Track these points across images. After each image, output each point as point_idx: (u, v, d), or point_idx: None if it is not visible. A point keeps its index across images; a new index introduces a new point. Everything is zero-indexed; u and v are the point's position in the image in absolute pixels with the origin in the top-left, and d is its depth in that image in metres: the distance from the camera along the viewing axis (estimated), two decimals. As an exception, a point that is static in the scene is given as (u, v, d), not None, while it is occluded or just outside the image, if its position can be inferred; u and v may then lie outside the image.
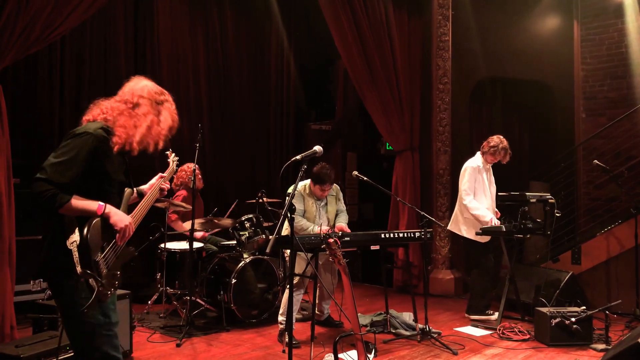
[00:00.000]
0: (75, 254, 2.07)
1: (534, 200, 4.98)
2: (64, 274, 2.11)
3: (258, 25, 7.47)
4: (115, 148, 2.21)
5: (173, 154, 2.90)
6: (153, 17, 6.31)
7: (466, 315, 5.17)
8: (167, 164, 2.82)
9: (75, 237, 2.10)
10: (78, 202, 2.11)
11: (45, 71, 5.40)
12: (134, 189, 2.50)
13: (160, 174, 2.66)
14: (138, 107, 2.28)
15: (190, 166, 5.40)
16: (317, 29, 7.01)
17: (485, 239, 5.04)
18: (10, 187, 3.68)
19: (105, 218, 2.16)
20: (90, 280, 2.06)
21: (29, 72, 5.31)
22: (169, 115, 2.38)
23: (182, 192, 5.51)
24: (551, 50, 7.15)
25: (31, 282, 4.77)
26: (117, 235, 2.21)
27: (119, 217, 2.20)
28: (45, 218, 2.22)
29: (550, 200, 4.95)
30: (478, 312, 5.12)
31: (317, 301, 4.79)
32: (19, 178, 4.13)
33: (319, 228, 4.39)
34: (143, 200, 2.50)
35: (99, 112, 2.26)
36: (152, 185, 2.61)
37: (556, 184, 6.65)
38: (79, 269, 2.06)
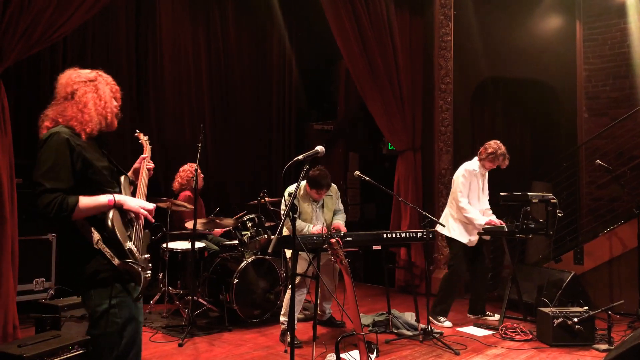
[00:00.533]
0: (107, 250, 2.09)
1: (536, 200, 4.97)
2: (97, 278, 2.13)
3: (259, 25, 7.48)
4: (83, 135, 2.20)
5: (142, 134, 2.89)
6: (155, 17, 6.32)
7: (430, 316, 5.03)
8: (142, 145, 2.82)
9: (97, 235, 2.10)
10: (87, 201, 2.10)
11: (47, 71, 5.41)
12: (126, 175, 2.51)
13: (141, 156, 2.67)
14: (75, 94, 2.26)
15: (192, 166, 5.41)
16: (319, 29, 7.01)
17: (474, 242, 5.00)
18: (13, 187, 3.69)
19: (118, 207, 2.17)
20: (134, 268, 2.09)
21: (31, 71, 5.32)
22: (106, 86, 2.34)
23: (186, 193, 5.52)
24: (553, 50, 7.14)
25: (34, 281, 4.78)
26: (142, 215, 2.25)
27: (133, 202, 2.23)
28: (61, 237, 2.28)
29: (552, 201, 4.93)
30: (433, 311, 4.99)
31: (318, 301, 4.80)
32: (21, 178, 4.14)
33: (314, 228, 4.39)
34: (139, 184, 2.52)
35: (50, 121, 2.24)
36: (137, 168, 2.62)
37: (558, 184, 6.64)
38: (116, 261, 2.07)
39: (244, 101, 7.29)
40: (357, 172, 4.74)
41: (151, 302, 5.11)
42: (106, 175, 2.26)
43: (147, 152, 2.72)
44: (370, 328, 4.68)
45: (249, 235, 5.12)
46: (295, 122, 8.03)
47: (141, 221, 2.31)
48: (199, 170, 5.32)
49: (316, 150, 3.20)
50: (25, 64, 5.09)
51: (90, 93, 2.26)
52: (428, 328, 4.45)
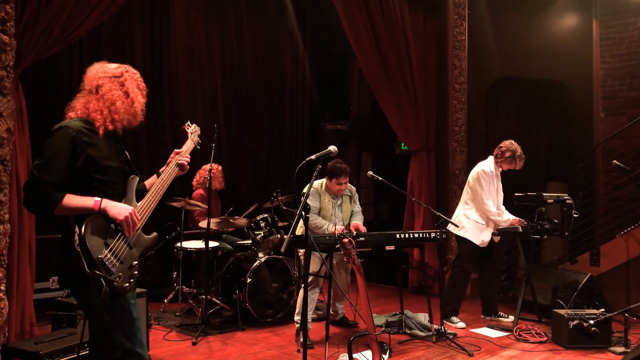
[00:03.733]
0: (81, 254, 2.03)
1: (551, 200, 4.92)
2: (79, 277, 2.07)
3: (273, 26, 7.50)
4: (100, 131, 2.18)
5: (193, 125, 2.78)
6: (169, 19, 6.38)
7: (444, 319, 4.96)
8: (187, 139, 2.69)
9: (76, 237, 2.05)
10: (72, 200, 2.05)
11: (64, 71, 5.49)
12: (144, 175, 2.42)
13: (175, 150, 2.56)
14: (101, 89, 2.23)
15: (213, 165, 5.49)
16: (332, 29, 7.01)
17: (485, 243, 4.96)
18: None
19: (103, 213, 2.08)
20: (100, 280, 2.01)
21: (48, 72, 5.39)
22: (133, 84, 2.31)
23: (200, 191, 5.58)
24: (569, 49, 7.07)
25: (50, 280, 4.84)
26: (122, 228, 2.13)
27: (117, 210, 2.11)
28: (62, 226, 2.20)
29: (567, 201, 4.88)
30: (445, 315, 4.92)
31: (331, 301, 4.80)
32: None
33: (333, 227, 4.39)
34: (157, 181, 2.40)
35: (74, 111, 2.25)
36: (170, 163, 2.50)
37: (574, 185, 6.57)
38: (86, 269, 2.00)
39: (257, 102, 7.32)
40: (370, 172, 4.74)
41: (165, 300, 5.15)
42: (112, 175, 2.21)
43: (184, 146, 2.61)
44: (383, 328, 4.67)
45: (262, 234, 5.14)
46: (309, 122, 8.04)
47: (138, 225, 2.20)
48: (219, 172, 5.38)
49: (329, 150, 3.21)
50: (42, 64, 5.16)
51: (116, 90, 2.24)
52: (441, 329, 4.44)
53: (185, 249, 5.07)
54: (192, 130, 2.76)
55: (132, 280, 2.16)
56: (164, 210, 5.47)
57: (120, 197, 2.22)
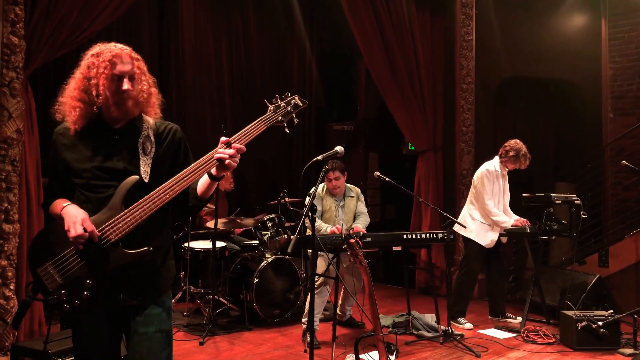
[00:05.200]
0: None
1: (559, 201, 4.89)
2: None
3: (280, 26, 7.51)
4: (71, 127, 1.94)
5: (287, 99, 2.19)
6: (177, 20, 6.40)
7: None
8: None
9: None
10: (53, 205, 1.98)
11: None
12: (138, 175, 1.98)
13: (221, 139, 2.03)
14: (71, 78, 2.00)
15: None
16: (339, 29, 7.01)
17: (491, 244, 4.93)
18: (39, 187, 3.77)
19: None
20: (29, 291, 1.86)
21: (57, 72, 5.42)
22: (105, 50, 1.98)
23: None
24: (578, 49, 7.02)
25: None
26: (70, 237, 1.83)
27: (67, 217, 1.85)
28: None
29: (576, 202, 4.85)
30: (452, 316, 4.89)
31: (339, 302, 4.80)
32: (47, 177, 4.22)
33: (333, 228, 4.39)
34: (172, 180, 1.90)
35: None
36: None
37: (583, 185, 6.53)
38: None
39: (264, 101, 7.32)
40: (377, 173, 4.73)
41: (172, 300, 5.15)
42: (90, 177, 1.92)
43: (235, 136, 2.10)
44: (390, 329, 4.66)
45: (269, 235, 5.15)
46: (315, 122, 8.04)
47: (93, 236, 1.82)
48: (228, 173, 5.38)
49: (335, 150, 3.21)
50: (51, 65, 5.20)
51: (80, 69, 1.98)
52: (448, 330, 4.42)
53: (192, 249, 5.08)
54: (284, 104, 2.16)
55: (77, 301, 1.85)
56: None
57: (103, 202, 1.90)
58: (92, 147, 1.94)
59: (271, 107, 2.23)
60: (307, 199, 4.18)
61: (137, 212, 1.85)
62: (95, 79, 1.91)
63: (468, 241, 4.99)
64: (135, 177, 1.91)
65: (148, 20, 6.16)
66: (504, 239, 5.03)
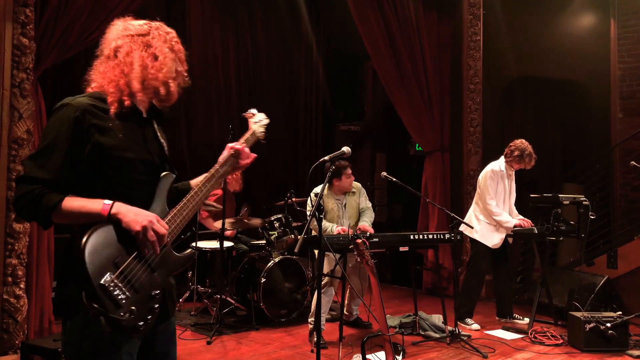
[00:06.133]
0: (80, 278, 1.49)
1: (567, 202, 4.87)
2: (73, 305, 1.54)
3: (287, 28, 7.53)
4: (112, 109, 1.63)
5: (251, 113, 2.20)
6: (185, 21, 6.44)
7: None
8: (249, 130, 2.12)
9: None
10: (74, 203, 1.53)
11: (83, 73, 5.55)
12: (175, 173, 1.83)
13: (229, 145, 1.95)
14: (119, 52, 1.71)
15: None
16: (346, 30, 7.01)
17: (498, 245, 4.92)
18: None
19: (115, 221, 1.54)
20: (93, 314, 1.46)
21: (67, 73, 5.46)
22: (161, 42, 1.77)
23: (218, 192, 5.61)
24: (586, 49, 6.99)
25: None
26: (139, 244, 1.57)
27: (133, 216, 1.55)
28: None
29: (584, 203, 4.83)
30: (459, 317, 4.89)
31: (346, 302, 4.80)
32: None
33: (338, 228, 4.39)
34: (199, 179, 1.82)
35: (90, 88, 1.75)
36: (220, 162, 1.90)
37: (591, 186, 6.49)
38: (83, 299, 1.46)
39: (271, 102, 7.35)
40: (384, 173, 4.73)
41: (180, 300, 5.20)
42: (130, 171, 1.64)
43: (243, 138, 2.03)
44: (397, 329, 4.66)
45: (276, 235, 5.16)
46: (322, 123, 8.05)
47: (165, 239, 1.62)
48: (237, 174, 5.39)
49: (342, 151, 3.22)
50: (61, 66, 5.25)
51: (137, 51, 1.71)
52: (455, 330, 4.42)
53: (200, 249, 5.11)
54: (257, 120, 2.13)
55: (149, 317, 1.58)
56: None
57: (145, 201, 1.66)
58: (130, 135, 1.67)
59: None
60: (310, 199, 4.21)
61: (185, 212, 1.72)
62: (162, 59, 1.75)
63: (474, 242, 4.98)
64: (173, 175, 1.78)
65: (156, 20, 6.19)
66: (511, 240, 5.02)
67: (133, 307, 1.52)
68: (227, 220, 4.97)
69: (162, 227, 1.60)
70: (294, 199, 5.39)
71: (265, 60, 7.27)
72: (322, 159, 3.17)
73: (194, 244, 5.12)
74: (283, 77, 7.55)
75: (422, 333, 4.59)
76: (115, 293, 1.48)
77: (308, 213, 4.60)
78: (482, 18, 6.46)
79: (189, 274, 5.18)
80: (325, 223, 4.50)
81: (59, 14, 3.66)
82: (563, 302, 5.16)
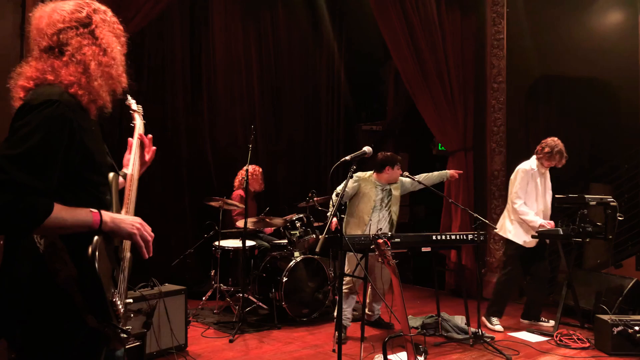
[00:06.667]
0: (78, 297, 1.39)
1: (593, 202, 4.77)
2: (51, 333, 1.41)
3: (309, 28, 7.55)
4: (92, 109, 1.55)
5: (134, 102, 1.96)
6: (208, 23, 6.51)
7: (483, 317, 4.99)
8: (134, 119, 1.94)
9: (71, 269, 1.39)
10: (65, 213, 1.37)
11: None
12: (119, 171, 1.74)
13: (129, 139, 1.87)
14: (66, 48, 1.50)
15: (255, 168, 5.62)
16: (368, 29, 7.00)
17: (531, 243, 4.85)
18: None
19: (107, 232, 1.46)
20: (112, 333, 1.43)
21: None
22: (107, 31, 1.58)
23: (240, 192, 5.67)
24: (613, 46, 6.82)
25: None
26: (141, 249, 1.54)
27: (128, 224, 1.50)
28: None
29: (611, 203, 4.72)
30: (487, 314, 4.94)
31: (368, 301, 4.79)
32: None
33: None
34: (127, 182, 1.73)
35: (27, 80, 1.48)
36: (131, 157, 1.81)
37: (619, 187, 6.35)
38: (90, 320, 1.40)
39: (293, 103, 7.39)
40: (406, 173, 4.72)
41: (203, 298, 5.25)
42: (104, 173, 1.58)
43: (140, 127, 1.89)
44: (419, 330, 4.64)
45: (298, 234, 5.18)
46: (344, 122, 8.05)
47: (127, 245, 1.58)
48: (259, 174, 5.46)
49: (363, 151, 3.22)
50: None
51: (88, 47, 1.51)
52: (479, 332, 4.37)
53: (222, 248, 5.16)
54: (138, 109, 1.97)
55: (129, 328, 1.55)
56: (204, 209, 5.59)
57: (110, 204, 1.59)
58: (99, 138, 1.58)
59: None
60: (335, 198, 4.20)
61: (131, 208, 1.67)
62: (110, 51, 1.58)
63: (510, 242, 4.94)
64: (118, 175, 1.67)
65: (179, 23, 6.27)
66: (548, 240, 4.95)
67: (123, 319, 1.51)
68: (250, 220, 5.01)
69: (148, 227, 1.57)
70: (315, 199, 5.40)
71: (287, 61, 7.31)
72: (343, 159, 3.17)
73: (216, 243, 5.18)
74: (305, 78, 7.57)
75: (445, 334, 4.56)
76: (119, 305, 1.48)
77: (329, 213, 4.61)
78: (505, 16, 6.38)
79: (212, 273, 5.24)
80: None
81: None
82: (590, 305, 5.06)
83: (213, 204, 5.18)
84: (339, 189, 4.49)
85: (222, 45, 6.64)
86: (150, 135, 1.87)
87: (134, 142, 1.82)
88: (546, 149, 4.83)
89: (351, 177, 3.25)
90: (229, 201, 5.23)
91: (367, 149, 3.24)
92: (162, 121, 6.06)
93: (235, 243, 5.28)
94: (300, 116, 7.49)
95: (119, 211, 1.61)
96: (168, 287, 3.95)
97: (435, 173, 4.95)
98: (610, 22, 6.99)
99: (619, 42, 6.87)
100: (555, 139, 4.88)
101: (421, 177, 4.84)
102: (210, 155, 6.43)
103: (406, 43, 5.89)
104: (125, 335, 1.46)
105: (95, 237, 1.41)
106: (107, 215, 1.46)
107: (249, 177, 5.29)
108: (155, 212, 5.88)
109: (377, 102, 8.48)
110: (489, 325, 4.84)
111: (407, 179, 4.76)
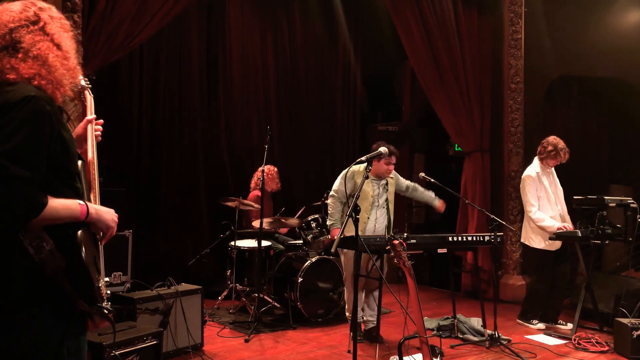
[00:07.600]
0: (67, 285, 1.47)
1: (613, 204, 4.70)
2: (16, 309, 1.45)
3: (325, 29, 7.55)
4: (59, 101, 1.62)
5: (86, 85, 1.96)
6: (224, 25, 6.54)
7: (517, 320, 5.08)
8: (85, 97, 1.97)
9: (59, 261, 1.45)
10: (57, 204, 1.46)
11: (126, 75, 5.73)
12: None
13: (86, 118, 1.90)
14: (20, 45, 1.53)
15: (271, 168, 5.63)
16: (384, 29, 6.98)
17: (556, 245, 4.80)
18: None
19: (91, 223, 1.56)
20: (100, 314, 1.55)
21: (111, 76, 5.65)
22: (57, 27, 1.62)
23: (257, 192, 5.69)
24: (633, 46, 6.72)
25: (112, 275, 5.07)
26: (105, 239, 1.67)
27: (109, 219, 1.63)
28: None
29: (632, 205, 4.65)
30: (524, 318, 5.00)
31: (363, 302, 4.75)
32: (101, 177, 4.41)
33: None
34: (91, 166, 1.78)
35: None
36: (81, 135, 1.86)
37: (639, 188, 6.25)
38: (81, 304, 1.50)
39: (309, 104, 7.39)
40: (422, 174, 4.70)
41: (219, 298, 5.29)
42: (78, 164, 1.63)
43: (91, 111, 1.92)
44: (435, 332, 4.61)
45: (313, 235, 5.19)
46: (360, 123, 8.04)
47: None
48: (274, 173, 5.48)
49: (379, 151, 3.22)
50: (105, 69, 5.43)
51: (43, 42, 1.55)
52: (495, 334, 4.33)
53: (238, 248, 5.19)
54: (86, 84, 1.96)
55: (109, 305, 1.67)
56: (220, 208, 5.62)
57: (82, 193, 1.64)
58: (69, 128, 1.63)
59: None
60: (340, 180, 4.14)
61: (96, 196, 1.74)
62: (64, 46, 1.64)
63: (534, 251, 4.91)
64: (82, 162, 1.70)
65: (197, 25, 6.31)
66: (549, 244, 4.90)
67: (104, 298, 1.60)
68: (265, 220, 5.03)
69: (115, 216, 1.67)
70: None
71: (303, 62, 7.32)
72: (358, 160, 3.17)
73: (232, 243, 5.21)
74: (321, 78, 7.57)
75: (461, 336, 4.53)
76: (103, 293, 1.58)
77: (331, 193, 4.52)
78: (523, 16, 6.32)
79: (228, 272, 5.27)
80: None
81: (104, 19, 3.80)
82: (609, 308, 4.98)
83: (229, 204, 5.22)
84: (334, 189, 4.48)
85: (238, 46, 6.67)
86: (95, 116, 1.91)
87: (89, 128, 1.86)
88: (549, 148, 4.82)
89: (366, 177, 3.23)
90: (245, 201, 5.26)
91: (383, 149, 3.24)
92: (179, 123, 6.11)
93: (251, 243, 5.30)
94: (316, 117, 7.49)
95: (88, 198, 1.67)
96: (184, 286, 3.98)
97: (429, 193, 4.73)
98: (630, 21, 6.88)
99: (639, 42, 6.76)
100: (555, 137, 4.88)
101: (420, 189, 4.72)
102: (226, 156, 6.47)
103: (422, 43, 5.87)
104: (106, 311, 1.57)
105: (80, 230, 1.50)
106: (92, 207, 1.56)
107: (265, 177, 5.31)
108: (171, 212, 5.93)
109: (392, 102, 8.45)
110: (530, 326, 4.89)
111: (402, 179, 4.66)
